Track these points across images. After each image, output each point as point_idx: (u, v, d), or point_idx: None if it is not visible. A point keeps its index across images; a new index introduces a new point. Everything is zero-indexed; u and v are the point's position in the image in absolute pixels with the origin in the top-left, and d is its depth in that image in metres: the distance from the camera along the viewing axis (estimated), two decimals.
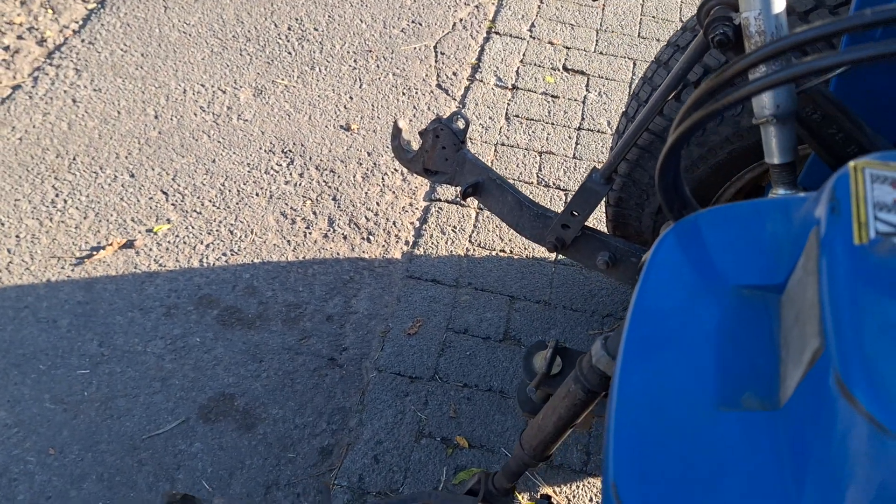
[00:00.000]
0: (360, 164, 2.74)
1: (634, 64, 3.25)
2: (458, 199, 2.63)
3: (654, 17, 3.52)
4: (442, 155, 1.88)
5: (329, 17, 3.37)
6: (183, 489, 1.90)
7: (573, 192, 2.64)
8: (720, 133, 1.63)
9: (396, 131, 1.96)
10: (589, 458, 1.99)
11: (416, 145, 1.98)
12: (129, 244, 2.44)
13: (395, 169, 2.73)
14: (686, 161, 1.72)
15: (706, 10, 1.27)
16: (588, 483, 1.95)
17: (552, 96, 3.07)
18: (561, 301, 2.35)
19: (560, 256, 2.48)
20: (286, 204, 2.59)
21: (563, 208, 1.78)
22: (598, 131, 2.92)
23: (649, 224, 1.90)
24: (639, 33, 3.41)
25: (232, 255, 2.44)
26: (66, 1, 3.42)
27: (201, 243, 2.46)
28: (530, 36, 3.35)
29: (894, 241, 0.53)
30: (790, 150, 1.19)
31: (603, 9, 3.54)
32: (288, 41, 3.24)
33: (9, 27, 3.26)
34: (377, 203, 2.62)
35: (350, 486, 1.91)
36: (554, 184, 2.72)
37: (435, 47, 3.25)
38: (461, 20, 3.40)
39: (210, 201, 2.59)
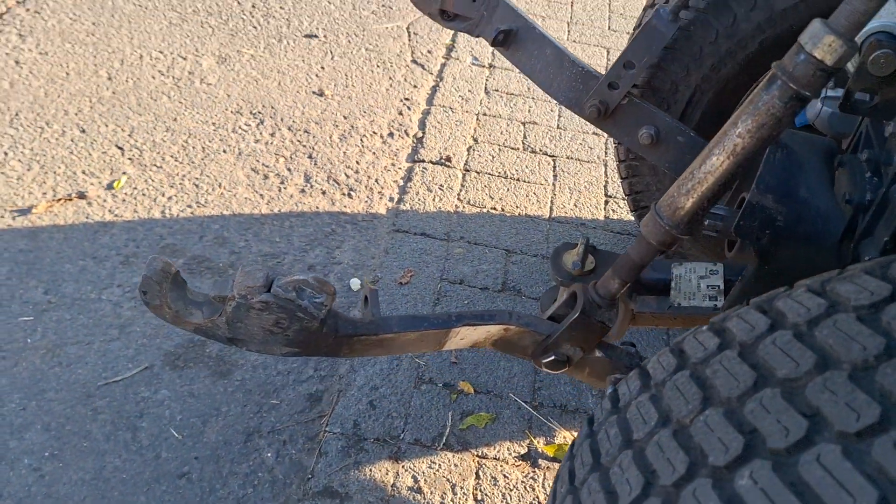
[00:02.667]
0: (336, 126, 2.57)
1: (608, 52, 3.23)
2: (443, 160, 2.48)
3: (622, 13, 3.54)
4: None
5: None
6: (147, 437, 1.61)
7: (560, 158, 2.54)
8: (752, 19, 1.55)
9: None
10: None
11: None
12: (81, 195, 2.17)
13: (374, 132, 2.57)
14: (711, 59, 1.63)
15: None
16: None
17: None
18: None
19: (555, 214, 2.34)
20: (257, 161, 2.39)
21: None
22: None
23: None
24: (609, 27, 3.42)
25: (198, 206, 2.20)
26: None
27: (163, 195, 2.22)
28: None
29: None
30: None
31: (572, 5, 3.54)
32: (252, 17, 3.09)
33: None
34: (357, 162, 2.44)
35: (344, 433, 1.67)
36: (541, 150, 2.61)
37: (407, 28, 3.16)
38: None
39: (172, 157, 2.35)
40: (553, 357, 1.20)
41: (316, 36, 3.01)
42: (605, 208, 2.41)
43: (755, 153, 0.93)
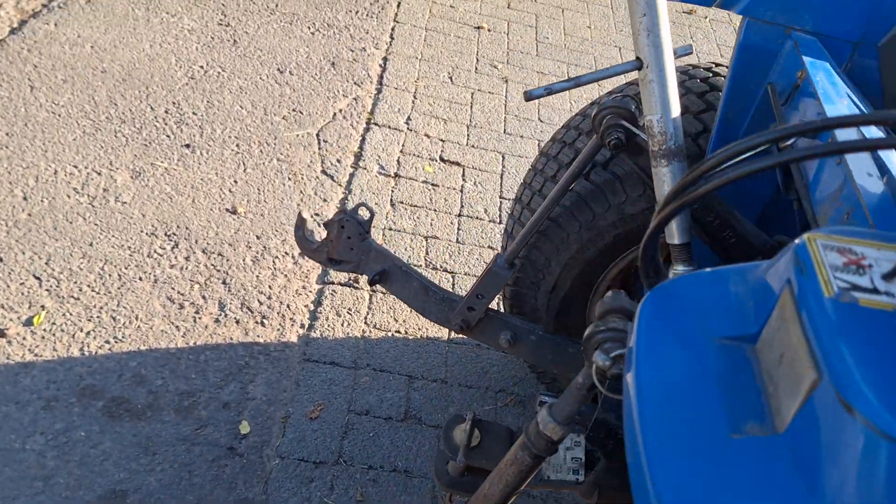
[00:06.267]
0: (250, 247, 2.74)
1: (503, 157, 3.52)
2: (351, 281, 2.69)
3: (516, 115, 3.84)
4: (347, 245, 1.93)
5: (208, 102, 3.39)
6: None
7: (459, 275, 2.79)
8: (607, 218, 1.84)
9: (300, 222, 2.00)
10: None
11: (318, 234, 2.05)
12: (1, 333, 2.26)
13: (286, 252, 2.75)
14: (576, 245, 1.91)
15: (599, 119, 1.48)
16: None
17: (432, 185, 3.24)
18: (457, 379, 2.45)
19: (453, 336, 2.59)
20: (172, 288, 2.52)
21: (466, 292, 1.92)
22: (477, 218, 3.12)
23: (544, 301, 2.06)
24: (504, 130, 3.71)
25: (116, 342, 2.32)
26: None
27: (81, 331, 2.33)
28: (407, 128, 3.54)
29: (852, 294, 0.69)
30: (687, 231, 1.39)
31: (471, 106, 3.82)
32: (166, 124, 3.21)
33: None
34: (269, 286, 2.61)
35: None
36: (441, 266, 2.85)
37: (317, 135, 3.35)
38: (341, 110, 3.54)
39: (89, 286, 2.46)
40: None
41: (227, 147, 3.16)
42: None
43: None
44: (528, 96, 1.35)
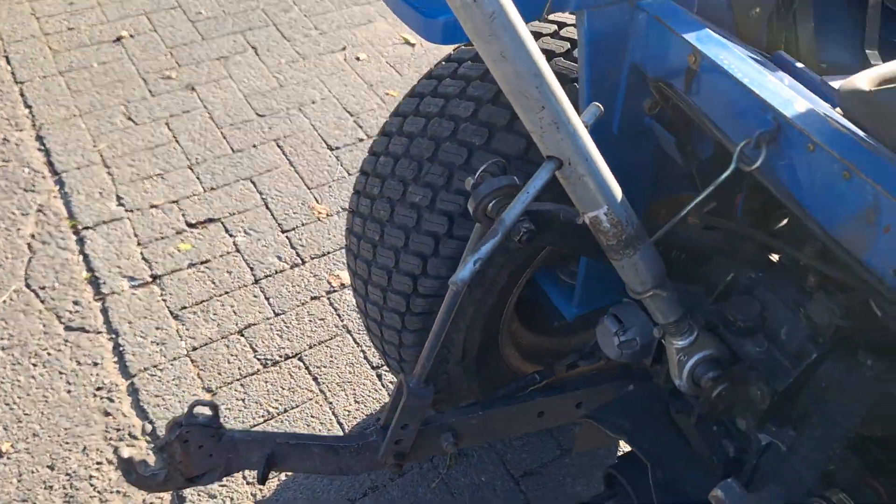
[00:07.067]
0: (50, 487, 2.04)
1: (253, 182, 2.95)
2: None
3: (231, 123, 3.23)
4: (202, 454, 1.50)
5: None
6: None
7: (306, 353, 2.35)
8: (494, 265, 1.51)
9: (126, 464, 1.49)
10: None
11: (152, 459, 1.55)
12: None
13: (97, 462, 2.09)
14: (471, 307, 1.58)
15: (483, 208, 1.10)
16: None
17: (202, 263, 2.64)
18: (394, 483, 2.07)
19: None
20: None
21: (385, 425, 1.55)
22: (278, 272, 2.60)
23: (458, 371, 1.73)
24: (232, 148, 3.11)
25: None
26: None
27: None
28: (126, 211, 2.82)
29: None
30: (677, 304, 1.12)
31: (177, 140, 3.14)
32: None
33: None
34: None
35: None
36: (280, 354, 2.35)
37: (28, 286, 2.55)
38: (34, 236, 2.72)
39: None
40: None
41: None
42: None
43: None
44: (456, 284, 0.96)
